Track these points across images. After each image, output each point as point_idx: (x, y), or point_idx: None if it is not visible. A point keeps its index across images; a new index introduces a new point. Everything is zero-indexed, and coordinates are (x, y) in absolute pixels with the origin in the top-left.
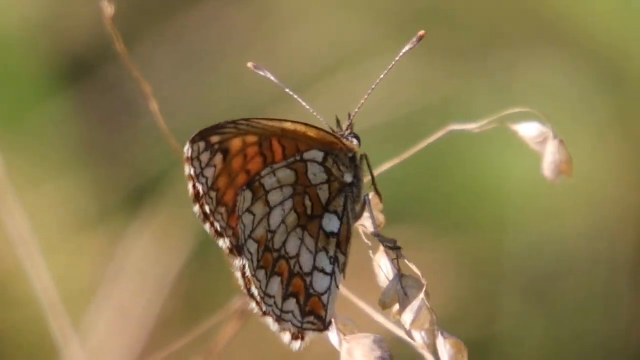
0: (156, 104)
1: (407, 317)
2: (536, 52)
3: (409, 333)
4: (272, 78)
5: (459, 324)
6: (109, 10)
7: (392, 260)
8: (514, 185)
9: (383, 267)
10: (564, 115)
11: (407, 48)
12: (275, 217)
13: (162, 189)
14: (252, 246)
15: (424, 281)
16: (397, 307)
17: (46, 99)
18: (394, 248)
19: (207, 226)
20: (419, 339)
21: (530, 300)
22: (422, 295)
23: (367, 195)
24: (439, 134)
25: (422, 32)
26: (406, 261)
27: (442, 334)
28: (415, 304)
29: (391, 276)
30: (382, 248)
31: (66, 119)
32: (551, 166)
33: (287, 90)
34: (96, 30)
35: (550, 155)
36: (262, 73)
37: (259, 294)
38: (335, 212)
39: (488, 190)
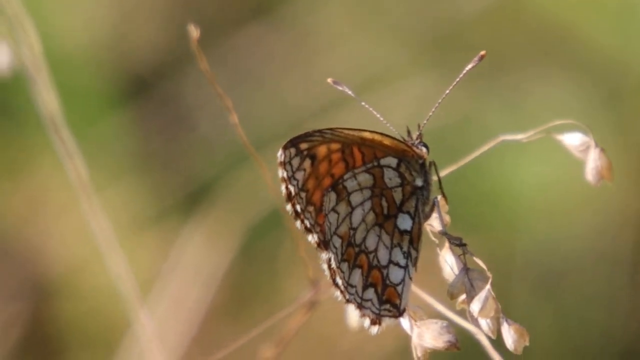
0: (236, 117)
1: (475, 306)
2: (542, 72)
3: (474, 321)
4: (349, 92)
5: None
6: (194, 33)
7: (458, 256)
8: (525, 191)
9: (448, 262)
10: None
11: (469, 66)
12: (356, 216)
13: (213, 193)
14: (337, 241)
15: (489, 274)
16: (462, 297)
17: (109, 113)
18: (460, 244)
19: (298, 223)
20: (484, 325)
21: (539, 294)
22: (488, 286)
23: (436, 197)
24: (491, 143)
25: (483, 52)
26: (474, 258)
27: (506, 321)
28: (482, 294)
29: (456, 270)
30: (447, 245)
31: (127, 130)
32: (593, 172)
33: (363, 103)
34: (153, 51)
35: (592, 162)
36: (340, 88)
37: (343, 284)
38: (408, 212)
39: (501, 195)
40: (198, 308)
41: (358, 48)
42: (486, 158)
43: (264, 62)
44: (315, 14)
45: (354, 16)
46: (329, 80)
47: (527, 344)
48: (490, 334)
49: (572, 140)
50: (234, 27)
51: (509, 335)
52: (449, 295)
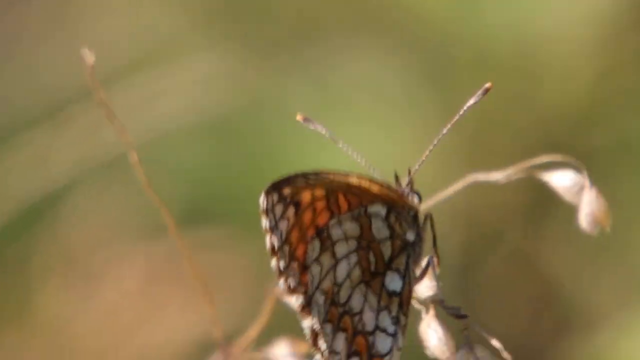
0: None
1: None
2: (356, 43)
3: None
4: (323, 131)
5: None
6: None
7: (462, 330)
8: None
9: (437, 334)
10: (387, 109)
11: (471, 102)
12: (341, 270)
13: None
14: (320, 298)
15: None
16: None
17: None
18: (460, 316)
19: (282, 281)
20: None
21: None
22: None
23: (430, 256)
24: (461, 183)
25: (488, 85)
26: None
27: None
28: None
29: (445, 341)
30: (432, 311)
31: None
32: (588, 218)
33: (341, 145)
34: None
35: (587, 206)
36: (312, 127)
37: (326, 349)
38: (398, 270)
39: None
40: None
41: (131, 14)
42: (285, 152)
43: (16, 27)
44: None
45: None
46: (298, 117)
47: None
48: None
49: (562, 180)
50: None
51: None
52: None
